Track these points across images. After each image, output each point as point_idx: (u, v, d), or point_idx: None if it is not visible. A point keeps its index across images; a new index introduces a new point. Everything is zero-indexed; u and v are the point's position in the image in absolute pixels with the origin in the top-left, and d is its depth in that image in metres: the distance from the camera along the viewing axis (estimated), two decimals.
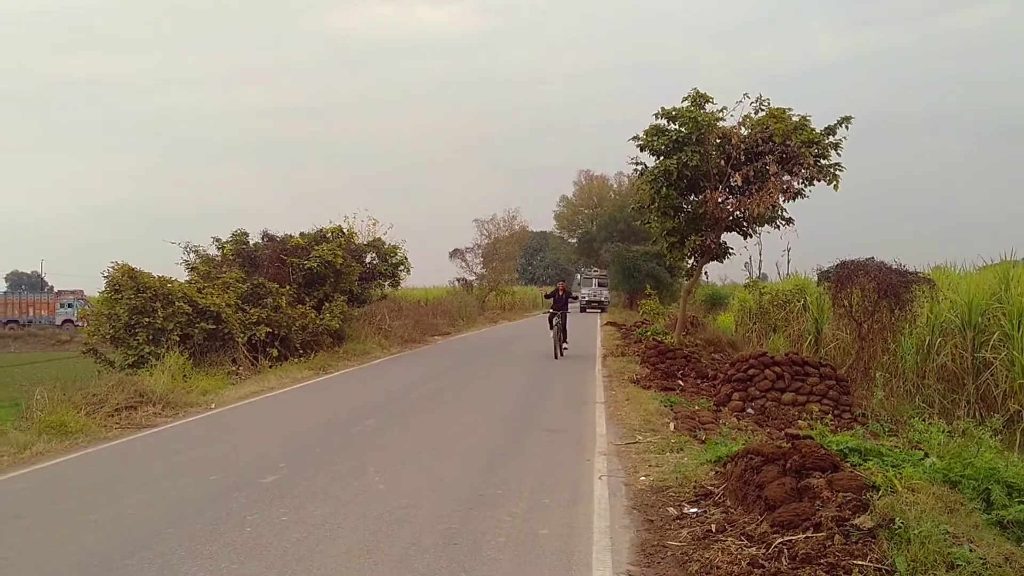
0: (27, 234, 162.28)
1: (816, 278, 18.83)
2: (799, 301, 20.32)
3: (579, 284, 63.07)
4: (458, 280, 53.88)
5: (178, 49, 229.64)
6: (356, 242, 25.34)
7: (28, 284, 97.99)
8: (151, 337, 15.61)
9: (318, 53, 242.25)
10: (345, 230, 24.74)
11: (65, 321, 59.49)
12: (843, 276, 14.82)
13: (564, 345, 21.04)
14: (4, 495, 7.52)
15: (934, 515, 5.16)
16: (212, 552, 5.56)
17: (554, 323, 21.09)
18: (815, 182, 17.20)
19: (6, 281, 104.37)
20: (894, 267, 14.47)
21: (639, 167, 19.21)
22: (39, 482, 8.05)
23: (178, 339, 15.75)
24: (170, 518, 6.46)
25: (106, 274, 16.15)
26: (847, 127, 17.14)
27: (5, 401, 16.00)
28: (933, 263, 16.84)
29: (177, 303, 15.97)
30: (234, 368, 16.51)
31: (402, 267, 26.81)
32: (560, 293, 21.64)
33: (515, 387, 15.11)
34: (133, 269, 16.09)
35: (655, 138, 17.92)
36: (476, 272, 54.23)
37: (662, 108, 17.94)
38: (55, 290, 72.35)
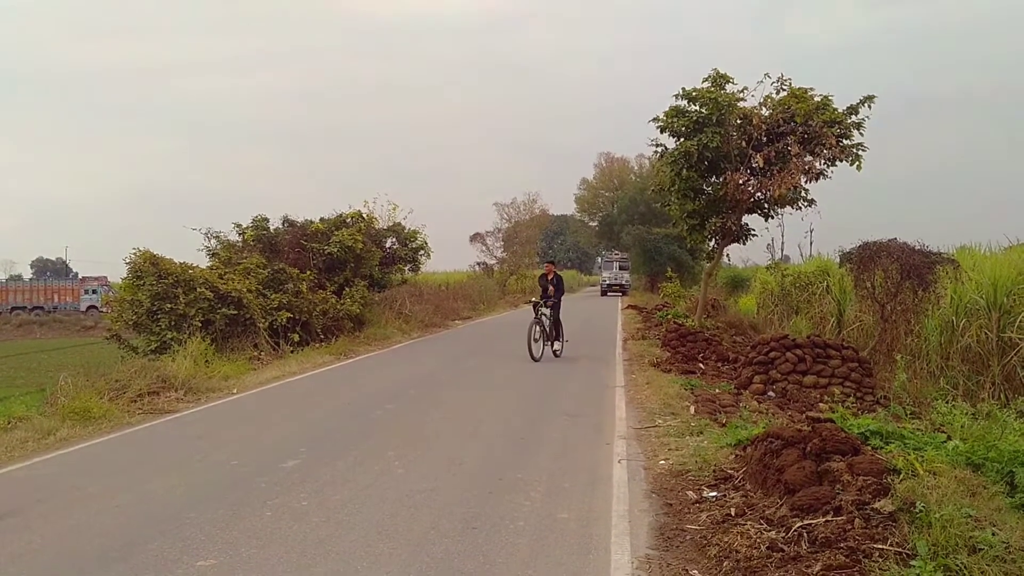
0: (51, 220, 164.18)
1: (838, 260, 18.65)
2: (821, 283, 20.16)
3: (600, 267, 63.04)
4: (478, 264, 54.09)
5: (201, 33, 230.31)
6: (376, 227, 25.45)
7: (53, 270, 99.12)
8: (173, 323, 15.75)
9: (341, 37, 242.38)
10: (365, 215, 24.86)
11: (89, 307, 60.15)
12: (865, 257, 14.70)
13: (557, 345, 17.41)
14: (29, 480, 7.62)
15: (956, 498, 5.11)
16: (232, 537, 5.60)
17: (539, 311, 17.06)
18: (837, 162, 17.03)
19: (31, 268, 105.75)
20: (917, 248, 14.34)
21: (659, 149, 19.11)
22: (63, 467, 8.14)
23: (200, 325, 15.87)
24: (191, 503, 6.52)
25: (128, 261, 16.29)
26: (870, 106, 16.95)
27: (31, 386, 16.26)
28: (958, 244, 16.67)
29: (199, 289, 16.08)
30: (255, 353, 16.62)
31: (422, 252, 26.90)
32: (549, 277, 17.61)
33: (534, 371, 15.10)
34: (155, 255, 16.21)
35: (675, 119, 17.81)
36: (496, 256, 54.37)
37: (682, 89, 17.81)
38: (79, 276, 73.02)
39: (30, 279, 77.34)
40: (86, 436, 9.57)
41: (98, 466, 8.20)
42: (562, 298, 17.67)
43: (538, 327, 16.74)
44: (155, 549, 5.39)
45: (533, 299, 17.77)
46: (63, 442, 9.23)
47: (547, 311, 17.24)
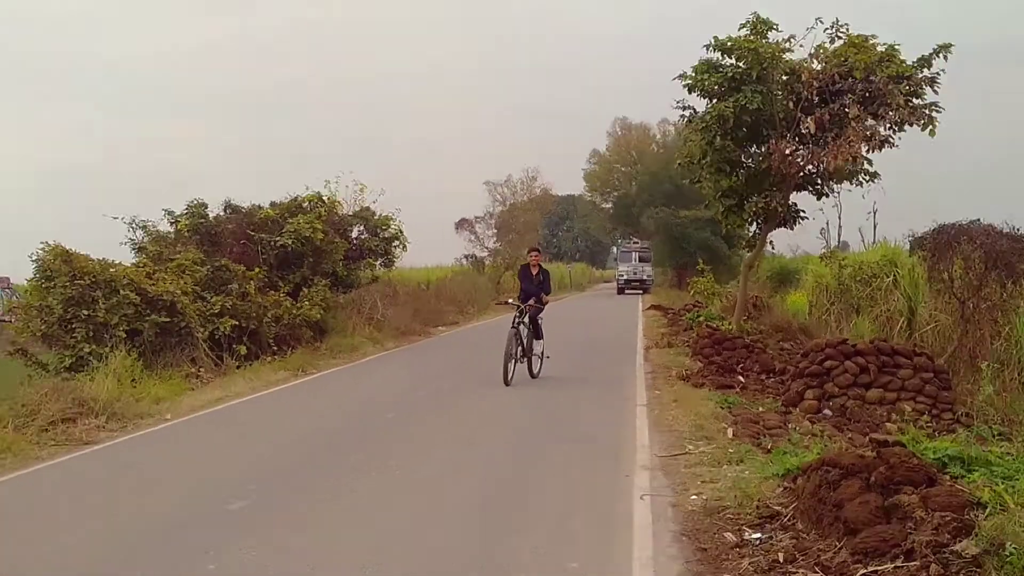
0: None
1: (909, 246, 18.68)
2: (888, 275, 20.18)
3: (616, 259, 63.06)
4: (466, 257, 53.97)
5: None
6: (339, 213, 25.40)
7: None
8: (91, 333, 15.69)
9: None
10: (326, 198, 24.78)
11: None
12: (942, 243, 14.71)
13: (535, 355, 16.07)
14: None
15: None
16: None
17: (515, 321, 15.59)
18: (906, 127, 17.00)
19: None
20: (1005, 231, 14.33)
21: (687, 112, 19.07)
22: None
23: (125, 335, 15.81)
24: (114, 559, 6.51)
25: (36, 258, 16.24)
26: (946, 57, 16.89)
27: None
28: None
29: (122, 292, 16.01)
30: (194, 370, 16.59)
31: (397, 242, 26.85)
32: (533, 271, 16.44)
33: (534, 388, 15.11)
34: (68, 251, 16.14)
35: (707, 76, 17.77)
36: (488, 247, 54.27)
37: (715, 38, 17.74)
38: None
39: None
40: None
41: None
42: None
43: (515, 340, 15.36)
44: None
45: (509, 299, 16.93)
46: None
47: (523, 319, 15.71)
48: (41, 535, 7.21)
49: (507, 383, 14.75)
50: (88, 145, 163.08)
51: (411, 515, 7.43)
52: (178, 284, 17.41)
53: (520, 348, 15.52)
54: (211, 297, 18.29)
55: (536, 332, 16.16)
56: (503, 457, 9.80)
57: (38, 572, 6.24)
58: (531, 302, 15.88)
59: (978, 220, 14.68)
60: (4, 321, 47.11)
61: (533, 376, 15.78)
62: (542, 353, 16.24)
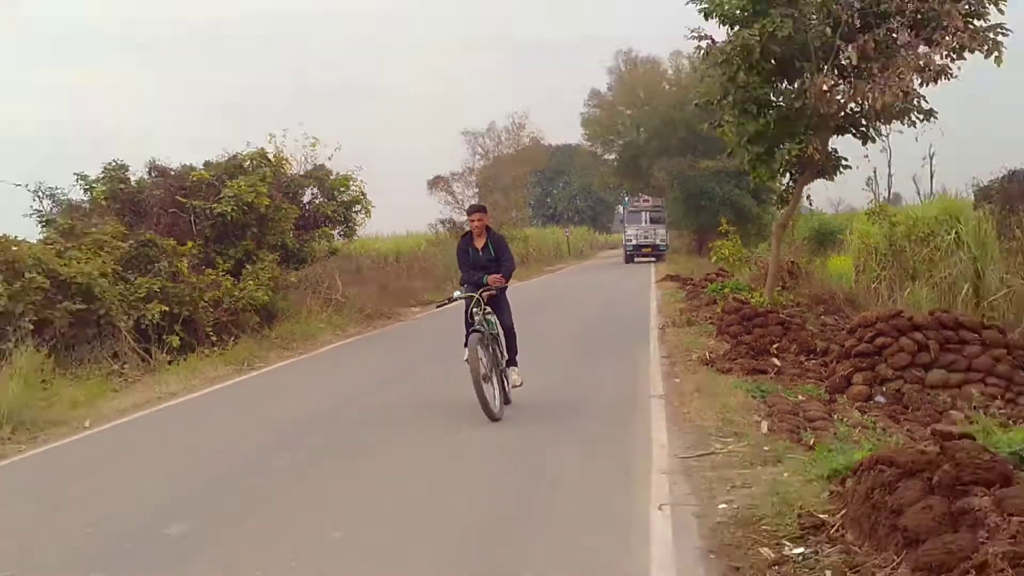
0: None
1: (974, 198, 18.72)
2: (949, 233, 20.20)
3: (622, 221, 63.02)
4: (442, 223, 53.88)
5: None
6: (288, 173, 25.38)
7: None
8: None
9: None
10: (271, 156, 24.76)
11: None
12: (1014, 194, 14.77)
13: (514, 375, 12.69)
14: None
15: None
16: None
17: (475, 318, 12.13)
18: (967, 54, 16.97)
19: None
20: None
21: (704, 44, 19.02)
22: None
23: (32, 327, 15.78)
24: None
25: None
26: None
27: None
28: None
29: (28, 274, 15.97)
30: (117, 367, 16.57)
31: (358, 207, 26.91)
32: (478, 243, 12.71)
33: (534, 380, 15.10)
34: None
35: None
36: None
37: None
38: None
39: None
40: None
41: None
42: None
43: (481, 349, 11.62)
44: None
45: (457, 293, 12.91)
46: None
47: (486, 313, 12.32)
48: None
49: (493, 417, 11.55)
50: None
51: (392, 530, 7.45)
52: (95, 264, 17.34)
53: (494, 362, 12.15)
54: (135, 279, 18.24)
55: (511, 339, 12.77)
56: (494, 464, 9.79)
57: None
58: (487, 284, 12.19)
59: None
60: None
61: (507, 403, 12.49)
62: (516, 367, 12.82)
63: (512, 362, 12.75)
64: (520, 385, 12.65)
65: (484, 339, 11.76)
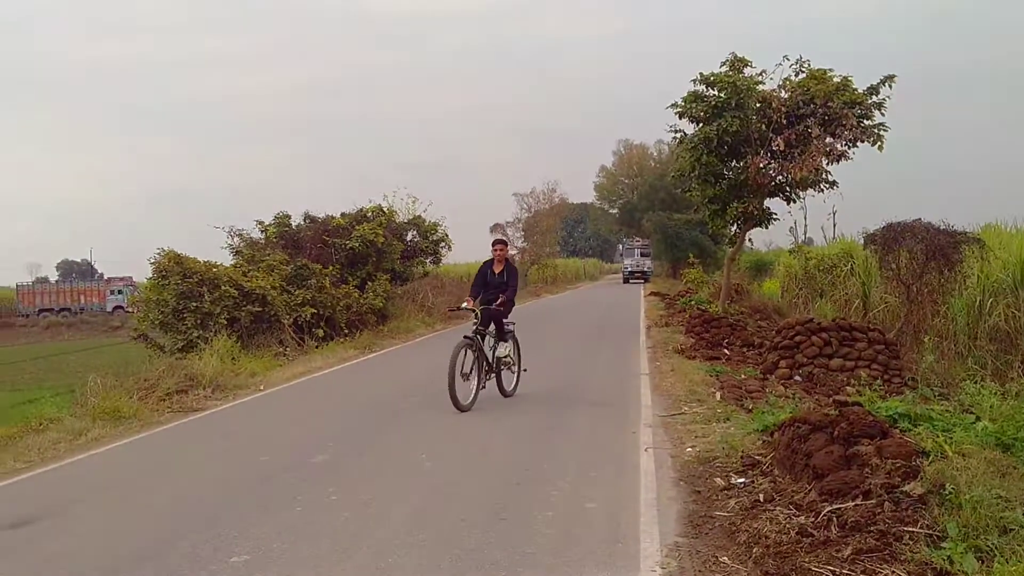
0: (75, 222, 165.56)
1: (863, 241, 18.50)
2: (846, 265, 19.99)
3: (621, 255, 62.85)
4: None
5: (207, 31, 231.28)
6: (396, 220, 25.51)
7: (79, 272, 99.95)
8: (199, 321, 15.90)
9: (348, 29, 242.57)
10: (385, 208, 24.94)
11: (116, 307, 60.60)
12: (890, 238, 14.61)
13: (505, 361, 10.85)
14: (63, 481, 7.74)
15: (986, 480, 5.08)
16: (264, 533, 5.67)
17: (472, 331, 10.51)
18: (859, 143, 16.86)
19: (57, 270, 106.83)
20: (942, 227, 14.22)
21: (678, 135, 19.01)
22: (95, 467, 8.27)
23: (225, 322, 16.01)
24: (222, 500, 6.61)
25: (153, 261, 16.45)
26: (891, 86, 16.75)
27: (61, 388, 16.46)
28: (983, 222, 16.50)
29: (223, 287, 16.21)
30: (281, 349, 16.74)
31: (443, 244, 26.95)
32: (496, 268, 11.14)
33: (556, 361, 15.09)
34: (179, 255, 16.37)
35: (694, 105, 17.71)
36: (517, 246, 54.33)
37: (700, 74, 17.70)
38: (105, 277, 73.66)
39: (56, 281, 78.10)
40: (116, 436, 9.70)
41: (130, 465, 8.33)
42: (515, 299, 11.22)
43: (469, 352, 10.25)
44: (188, 547, 5.46)
45: (463, 304, 11.11)
46: (94, 442, 9.35)
47: (489, 335, 10.68)
48: (161, 483, 7.35)
49: (458, 407, 9.82)
50: (194, 167, 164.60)
51: (461, 458, 7.50)
52: (268, 280, 17.58)
53: (482, 363, 10.51)
54: (294, 291, 18.45)
55: (500, 333, 10.82)
56: (529, 417, 9.80)
57: (163, 510, 6.33)
58: (496, 305, 10.67)
59: (920, 219, 14.54)
60: (129, 312, 47.82)
61: (505, 395, 10.94)
62: (509, 354, 10.90)
63: (504, 338, 10.78)
64: (516, 383, 11.23)
65: (473, 346, 10.31)
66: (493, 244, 11.33)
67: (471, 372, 10.25)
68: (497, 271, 11.07)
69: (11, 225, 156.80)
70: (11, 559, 5.45)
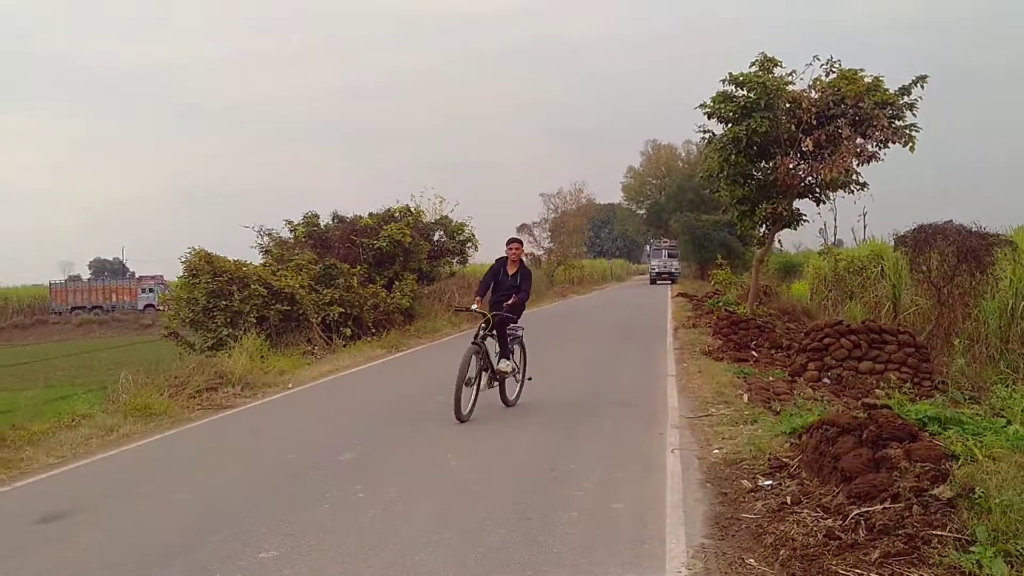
0: (107, 221, 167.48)
1: (893, 243, 18.35)
2: (876, 267, 19.86)
3: (648, 255, 62.63)
4: (526, 255, 53.96)
5: (241, 32, 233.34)
6: (424, 220, 25.63)
7: (110, 270, 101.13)
8: (229, 320, 16.06)
9: (377, 29, 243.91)
10: (412, 209, 25.07)
11: (147, 306, 61.29)
12: (921, 240, 14.50)
13: (508, 373, 10.11)
14: (94, 476, 7.86)
15: (1016, 484, 5.02)
16: (292, 529, 5.73)
17: (478, 335, 9.75)
18: (890, 144, 16.70)
19: (89, 268, 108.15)
20: (974, 230, 14.08)
21: (707, 135, 18.93)
22: (126, 463, 8.39)
23: (255, 321, 16.16)
24: (251, 496, 6.69)
25: (184, 260, 16.63)
26: (923, 86, 16.59)
27: (93, 384, 16.69)
28: (1016, 225, 16.32)
29: (253, 286, 16.37)
30: (309, 348, 16.88)
31: (470, 244, 27.02)
32: (510, 269, 10.41)
33: (583, 361, 15.10)
34: (210, 254, 16.54)
35: (723, 105, 17.61)
36: (544, 246, 54.39)
37: (729, 74, 17.59)
38: (136, 276, 74.50)
39: (88, 279, 79.09)
40: (147, 432, 9.83)
41: (160, 462, 8.44)
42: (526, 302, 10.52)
43: (475, 358, 9.60)
44: (217, 542, 5.53)
45: (473, 306, 10.40)
46: (125, 438, 9.48)
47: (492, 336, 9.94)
48: (191, 479, 7.44)
49: (460, 418, 9.24)
50: (224, 167, 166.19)
51: (486, 457, 7.54)
52: (297, 280, 17.72)
53: (487, 370, 9.88)
54: (323, 290, 18.59)
55: (504, 349, 9.99)
56: (559, 414, 9.81)
57: (193, 506, 6.42)
58: (507, 305, 9.99)
59: (951, 221, 14.41)
60: (160, 310, 48.37)
61: (508, 404, 10.29)
62: (515, 370, 10.34)
63: (506, 355, 10.02)
64: (519, 391, 10.55)
65: (480, 352, 9.65)
66: (508, 243, 10.58)
67: (476, 380, 9.64)
68: (511, 272, 10.37)
69: (45, 223, 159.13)
70: (42, 553, 5.54)
